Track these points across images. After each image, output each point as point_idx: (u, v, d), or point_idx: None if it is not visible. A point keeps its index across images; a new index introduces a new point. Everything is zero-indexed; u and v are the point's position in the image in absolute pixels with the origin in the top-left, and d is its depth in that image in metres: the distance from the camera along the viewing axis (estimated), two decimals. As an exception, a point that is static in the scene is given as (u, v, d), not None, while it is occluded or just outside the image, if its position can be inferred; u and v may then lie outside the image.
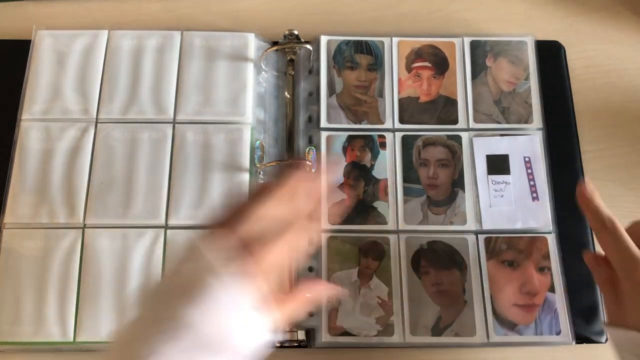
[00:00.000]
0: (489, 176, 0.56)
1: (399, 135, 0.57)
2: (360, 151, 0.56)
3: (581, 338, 0.51)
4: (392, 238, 0.54)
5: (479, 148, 0.56)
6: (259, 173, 0.54)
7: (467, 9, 0.65)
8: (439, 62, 0.60)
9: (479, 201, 0.55)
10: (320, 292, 0.45)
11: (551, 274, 0.52)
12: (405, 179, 0.55)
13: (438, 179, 0.55)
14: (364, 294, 0.52)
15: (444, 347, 0.52)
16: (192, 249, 0.36)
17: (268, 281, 0.36)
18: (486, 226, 0.54)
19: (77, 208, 0.52)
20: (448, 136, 0.57)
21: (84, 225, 0.52)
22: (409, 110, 0.58)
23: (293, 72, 0.59)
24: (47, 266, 0.50)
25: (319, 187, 0.44)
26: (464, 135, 0.57)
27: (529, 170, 0.56)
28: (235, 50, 0.58)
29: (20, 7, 0.63)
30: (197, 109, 0.56)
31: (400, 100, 0.58)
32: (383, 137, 0.57)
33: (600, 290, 0.50)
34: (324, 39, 0.60)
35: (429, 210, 0.54)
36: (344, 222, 0.54)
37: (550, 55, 0.61)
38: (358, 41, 0.60)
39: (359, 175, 0.56)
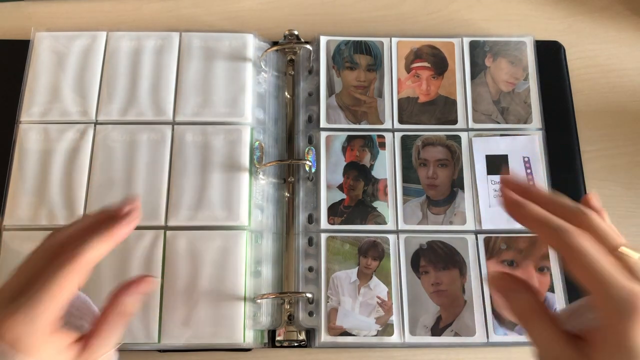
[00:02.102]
0: (489, 176, 0.56)
1: (398, 135, 0.57)
2: (360, 151, 0.56)
3: (581, 338, 0.51)
4: (391, 238, 0.54)
5: (479, 148, 0.56)
6: (259, 173, 0.54)
7: (467, 9, 0.65)
8: (438, 63, 0.60)
9: (478, 201, 0.55)
10: (126, 304, 0.38)
11: (551, 274, 0.52)
12: (404, 179, 0.55)
13: (437, 179, 0.55)
14: (364, 294, 0.52)
15: (443, 347, 0.52)
16: None
17: (49, 347, 0.32)
18: (486, 226, 0.54)
19: (77, 210, 0.52)
20: (447, 136, 0.57)
21: (84, 226, 0.52)
22: (408, 110, 0.58)
23: (293, 72, 0.59)
24: (46, 267, 0.50)
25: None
26: (464, 136, 0.57)
27: (528, 171, 0.56)
28: (234, 51, 0.58)
29: (20, 7, 0.64)
30: (196, 110, 0.56)
31: (399, 101, 0.58)
32: (382, 137, 0.57)
33: (530, 330, 0.34)
34: (323, 39, 0.60)
35: (428, 210, 0.55)
36: (344, 222, 0.54)
37: (550, 55, 0.61)
38: (357, 41, 0.60)
39: (359, 175, 0.56)
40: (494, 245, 0.53)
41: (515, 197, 0.35)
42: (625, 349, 0.28)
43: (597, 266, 0.30)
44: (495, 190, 0.55)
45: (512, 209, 0.35)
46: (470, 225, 0.54)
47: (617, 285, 0.29)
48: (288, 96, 0.59)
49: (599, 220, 0.32)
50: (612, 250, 0.31)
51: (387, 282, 0.52)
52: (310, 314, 0.51)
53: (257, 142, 0.55)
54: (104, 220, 0.38)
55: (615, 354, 0.29)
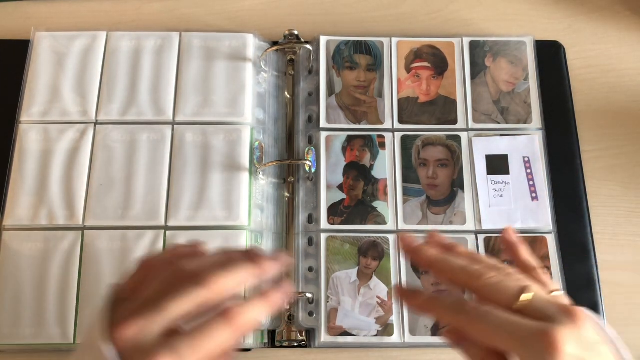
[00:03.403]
0: (489, 176, 0.56)
1: (398, 135, 0.57)
2: (360, 151, 0.56)
3: (581, 338, 0.51)
4: (391, 238, 0.54)
5: (479, 148, 0.56)
6: (259, 173, 0.54)
7: (467, 9, 0.65)
8: (438, 63, 0.60)
9: (478, 201, 0.55)
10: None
11: (551, 274, 0.52)
12: (404, 179, 0.55)
13: (437, 179, 0.55)
14: (364, 294, 0.52)
15: (443, 347, 0.52)
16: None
17: None
18: (486, 226, 0.54)
19: (77, 209, 0.52)
20: (447, 136, 0.57)
21: (84, 226, 0.52)
22: (408, 110, 0.58)
23: (293, 72, 0.59)
24: (47, 268, 0.50)
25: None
26: (463, 136, 0.57)
27: (529, 170, 0.56)
28: (234, 51, 0.58)
29: (20, 7, 0.64)
30: (196, 110, 0.56)
31: (399, 101, 0.58)
32: (382, 137, 0.57)
33: None
34: (323, 39, 0.60)
35: (428, 210, 0.55)
36: (344, 222, 0.54)
37: (550, 55, 0.61)
38: (357, 41, 0.60)
39: (359, 175, 0.56)
40: (494, 245, 0.53)
41: (413, 243, 0.39)
42: None
43: (499, 325, 0.31)
44: (495, 190, 0.55)
45: (410, 254, 0.39)
46: (470, 225, 0.54)
47: (522, 330, 0.30)
48: (288, 96, 0.59)
49: (494, 279, 0.33)
50: (510, 304, 0.32)
51: (387, 282, 0.52)
52: (310, 314, 0.51)
53: (257, 142, 0.55)
54: (240, 261, 0.34)
55: None
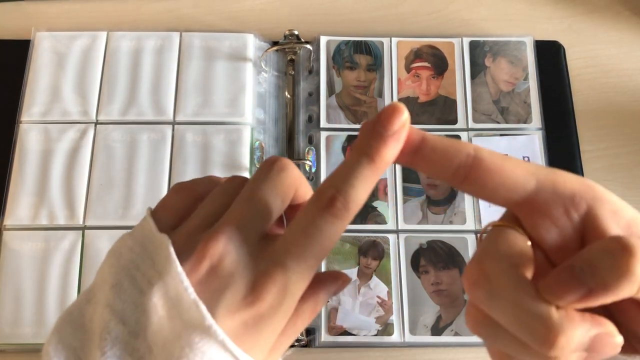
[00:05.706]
0: (489, 176, 0.56)
1: (398, 135, 0.57)
2: (360, 151, 0.56)
3: (581, 338, 0.51)
4: (391, 237, 0.54)
5: (479, 148, 0.56)
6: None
7: (467, 9, 0.65)
8: (438, 63, 0.60)
9: (478, 201, 0.55)
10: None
11: (551, 274, 0.52)
12: (404, 179, 0.56)
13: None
14: (364, 294, 0.52)
15: (443, 347, 0.52)
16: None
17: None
18: (486, 226, 0.54)
19: (77, 209, 0.52)
20: (447, 136, 0.57)
21: (84, 226, 0.52)
22: (408, 110, 0.58)
23: (293, 72, 0.59)
24: (47, 268, 0.51)
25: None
26: (463, 135, 0.57)
27: (528, 170, 0.56)
28: (234, 51, 0.58)
29: (20, 7, 0.64)
30: (196, 110, 0.56)
31: (399, 100, 0.58)
32: (382, 137, 0.57)
33: None
34: (323, 39, 0.60)
35: (428, 209, 0.55)
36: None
37: (550, 55, 0.61)
38: (357, 41, 0.60)
39: (359, 175, 0.55)
40: (494, 245, 0.53)
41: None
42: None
43: None
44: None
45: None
46: (470, 224, 0.54)
47: None
48: (288, 96, 0.59)
49: None
50: None
51: (387, 282, 0.52)
52: (311, 313, 0.51)
53: (258, 142, 0.55)
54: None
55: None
